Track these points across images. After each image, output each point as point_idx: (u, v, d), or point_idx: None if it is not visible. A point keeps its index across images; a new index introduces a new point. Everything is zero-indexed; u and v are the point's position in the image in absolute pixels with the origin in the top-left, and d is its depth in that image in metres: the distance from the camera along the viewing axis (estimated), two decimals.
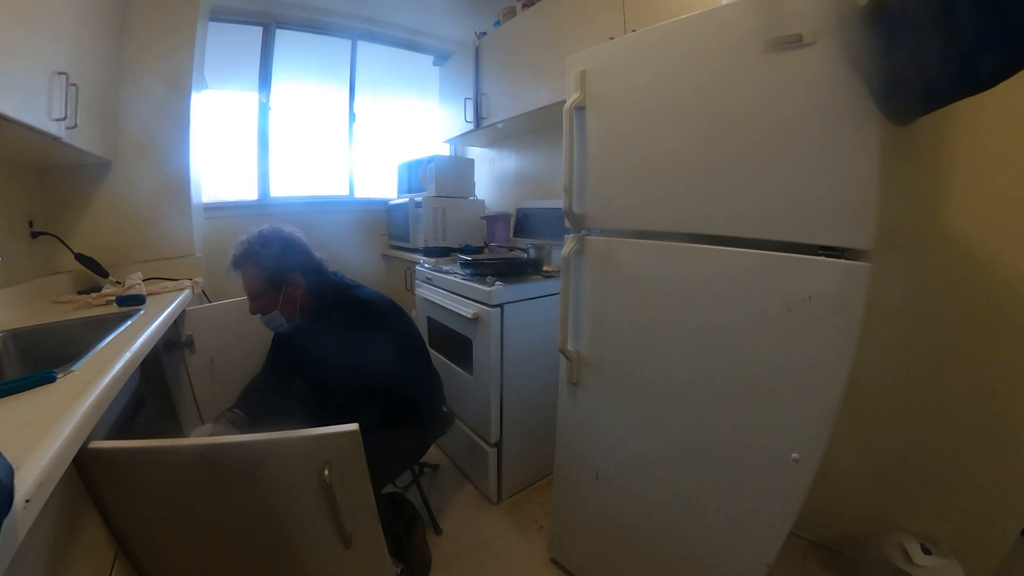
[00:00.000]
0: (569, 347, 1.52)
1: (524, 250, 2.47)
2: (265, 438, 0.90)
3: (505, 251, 2.87)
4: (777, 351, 1.06)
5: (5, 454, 0.56)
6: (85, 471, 0.85)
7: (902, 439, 1.59)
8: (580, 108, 1.42)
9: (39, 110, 1.39)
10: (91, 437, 0.83)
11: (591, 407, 1.53)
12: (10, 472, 0.54)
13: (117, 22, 2.11)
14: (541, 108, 2.46)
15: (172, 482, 0.91)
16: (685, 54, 1.18)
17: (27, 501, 0.56)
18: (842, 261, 0.96)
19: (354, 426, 0.92)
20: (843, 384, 0.98)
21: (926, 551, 1.40)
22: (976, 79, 0.69)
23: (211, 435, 1.36)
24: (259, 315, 1.66)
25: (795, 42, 0.96)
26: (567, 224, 1.51)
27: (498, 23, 2.97)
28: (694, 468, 1.27)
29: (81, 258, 2.01)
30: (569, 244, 1.48)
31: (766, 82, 1.03)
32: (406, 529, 1.75)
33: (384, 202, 3.68)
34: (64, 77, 1.49)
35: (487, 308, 1.95)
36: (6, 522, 0.50)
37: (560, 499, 1.71)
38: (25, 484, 0.57)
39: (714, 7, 1.14)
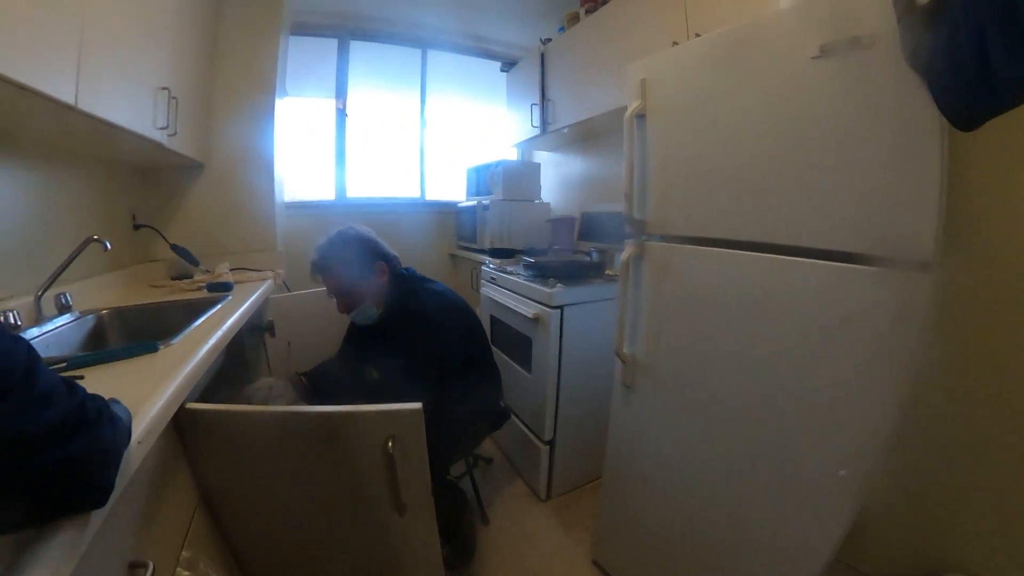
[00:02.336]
0: (625, 350, 1.54)
1: (587, 253, 2.50)
2: (338, 410, 0.99)
3: (568, 254, 2.90)
4: (834, 365, 1.03)
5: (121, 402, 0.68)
6: (180, 427, 0.97)
7: (962, 468, 1.47)
8: (641, 116, 1.44)
9: (146, 121, 1.57)
10: (186, 400, 0.95)
11: (643, 412, 1.53)
12: (130, 416, 0.67)
13: (210, 40, 2.35)
14: (605, 113, 2.48)
15: (252, 443, 1.02)
16: (745, 61, 1.18)
17: (139, 442, 0.68)
18: (904, 272, 0.93)
19: (418, 405, 1.00)
20: (901, 402, 0.95)
21: None
22: None
23: (271, 388, 1.56)
24: (349, 312, 1.76)
25: (854, 45, 0.94)
26: (627, 230, 1.53)
27: (562, 29, 3.02)
28: (742, 482, 1.25)
29: (176, 248, 2.22)
30: (629, 249, 1.50)
31: (827, 89, 1.01)
32: (456, 515, 1.82)
33: (453, 204, 3.79)
34: (167, 92, 1.68)
35: (548, 309, 1.99)
36: (124, 453, 0.62)
37: (607, 501, 1.72)
38: (137, 428, 0.69)
39: (772, 12, 1.15)
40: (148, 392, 0.81)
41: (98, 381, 0.87)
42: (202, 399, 1.09)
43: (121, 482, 0.60)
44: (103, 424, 0.56)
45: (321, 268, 1.73)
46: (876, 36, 0.91)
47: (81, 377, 0.88)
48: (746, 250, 1.21)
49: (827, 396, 1.05)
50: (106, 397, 0.66)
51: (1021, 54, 0.65)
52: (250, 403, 1.61)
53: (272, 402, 1.63)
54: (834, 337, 1.03)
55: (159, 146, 1.72)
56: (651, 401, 1.51)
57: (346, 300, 1.74)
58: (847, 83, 0.98)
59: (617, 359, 1.57)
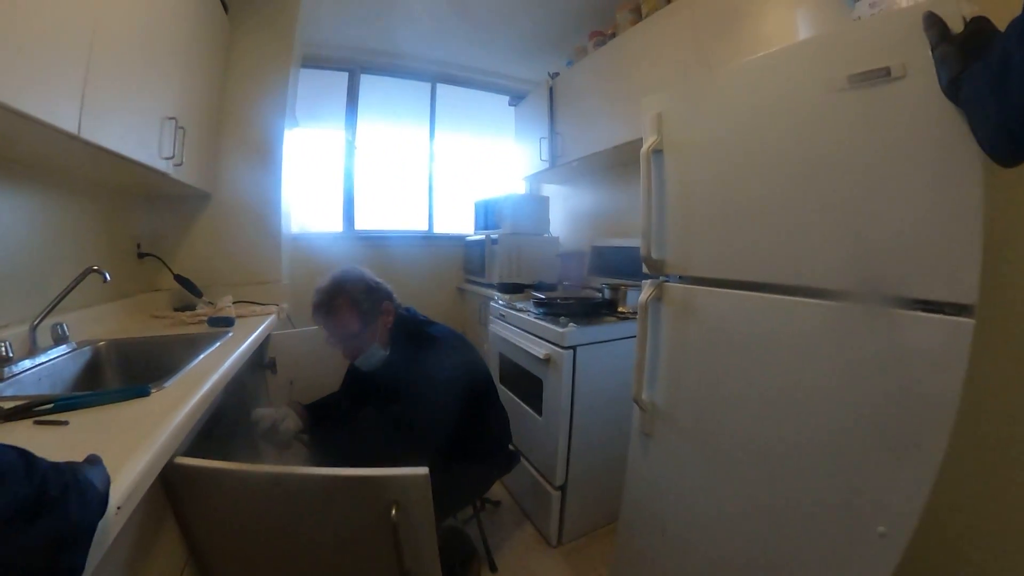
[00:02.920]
0: (644, 396, 1.48)
1: (599, 289, 2.44)
2: (338, 473, 0.93)
3: (579, 290, 2.85)
4: (867, 414, 0.97)
5: (102, 461, 0.62)
6: (168, 482, 0.90)
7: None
8: (658, 151, 1.40)
9: (152, 150, 1.55)
10: (177, 452, 0.88)
11: (663, 460, 1.46)
12: (107, 482, 0.60)
13: (220, 70, 2.35)
14: (616, 146, 2.46)
15: (247, 502, 0.95)
16: (767, 93, 1.14)
17: (118, 508, 0.61)
18: (942, 316, 0.86)
19: (424, 470, 0.93)
20: (940, 453, 0.87)
21: None
22: None
23: (273, 417, 1.50)
24: (355, 359, 1.68)
25: (882, 76, 0.90)
26: (645, 270, 1.48)
27: (570, 63, 3.05)
28: (768, 535, 1.17)
29: (179, 279, 2.20)
30: (647, 291, 1.44)
31: (854, 121, 0.97)
32: (461, 563, 1.75)
33: (461, 237, 3.79)
34: (173, 122, 1.66)
35: (559, 349, 1.92)
36: (100, 524, 0.55)
37: (622, 550, 1.64)
38: (117, 492, 0.61)
39: (796, 43, 1.11)
40: (134, 444, 0.75)
41: (84, 427, 0.82)
42: (197, 439, 1.03)
43: (95, 557, 0.54)
44: (70, 501, 0.50)
45: (326, 307, 1.64)
46: (908, 66, 0.87)
47: (65, 423, 0.83)
48: (770, 292, 1.15)
49: (860, 445, 0.98)
50: (88, 451, 0.61)
51: None
52: (257, 437, 1.55)
53: (280, 428, 1.56)
54: (868, 383, 0.97)
55: (164, 176, 1.69)
56: (671, 448, 1.43)
57: (350, 345, 1.65)
58: (877, 115, 0.94)
59: (635, 406, 1.50)
